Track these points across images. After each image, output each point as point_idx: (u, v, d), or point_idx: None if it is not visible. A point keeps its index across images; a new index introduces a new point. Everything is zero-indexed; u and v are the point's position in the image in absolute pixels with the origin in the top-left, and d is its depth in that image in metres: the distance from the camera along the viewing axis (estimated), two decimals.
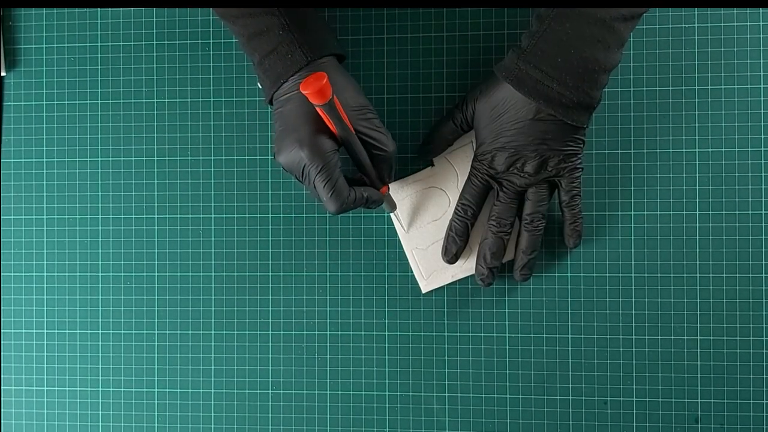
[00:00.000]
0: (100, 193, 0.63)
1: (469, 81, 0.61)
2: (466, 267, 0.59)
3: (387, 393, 0.61)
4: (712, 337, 0.59)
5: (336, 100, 0.50)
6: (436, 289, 0.61)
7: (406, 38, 0.61)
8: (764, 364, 0.59)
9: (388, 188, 0.57)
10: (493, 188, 0.57)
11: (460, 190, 0.58)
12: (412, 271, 0.61)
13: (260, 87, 0.57)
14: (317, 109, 0.50)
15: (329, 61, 0.53)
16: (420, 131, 0.61)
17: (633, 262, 0.60)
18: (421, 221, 0.60)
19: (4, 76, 0.64)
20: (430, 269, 0.60)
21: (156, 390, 0.63)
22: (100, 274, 0.63)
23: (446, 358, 0.61)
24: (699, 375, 0.59)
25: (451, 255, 0.58)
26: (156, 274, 0.63)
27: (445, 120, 0.58)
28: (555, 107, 0.52)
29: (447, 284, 0.60)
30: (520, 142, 0.54)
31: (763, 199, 0.59)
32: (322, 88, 0.48)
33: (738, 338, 0.59)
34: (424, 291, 0.60)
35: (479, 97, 0.55)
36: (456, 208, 0.58)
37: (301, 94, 0.51)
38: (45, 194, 0.64)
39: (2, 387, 0.64)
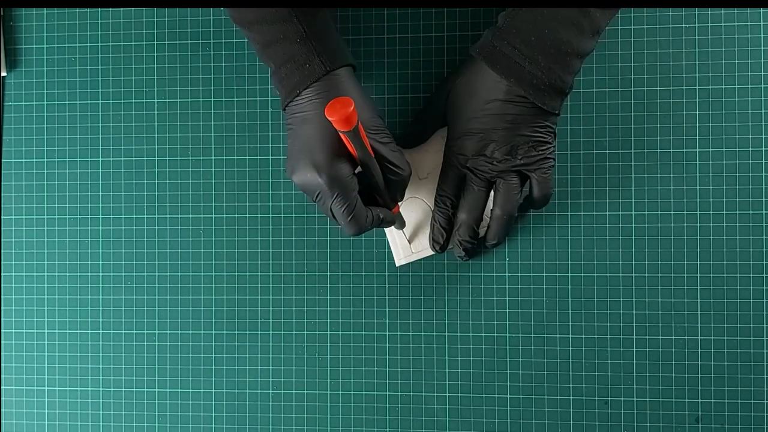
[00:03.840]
0: (100, 193, 0.63)
1: None
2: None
3: (387, 393, 0.61)
4: (712, 337, 0.59)
5: (361, 128, 0.48)
6: (436, 289, 0.61)
7: (406, 38, 0.61)
8: (764, 364, 0.59)
9: (399, 207, 0.57)
10: (464, 176, 0.56)
11: (429, 171, 0.59)
12: (412, 271, 0.61)
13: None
14: (341, 134, 0.48)
15: (345, 72, 0.52)
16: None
17: (633, 262, 0.60)
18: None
19: (4, 76, 0.64)
20: (405, 244, 0.60)
21: (156, 390, 0.63)
22: (100, 274, 0.63)
23: (446, 358, 0.61)
24: (699, 375, 0.59)
25: (440, 245, 0.58)
26: (156, 274, 0.63)
27: (425, 108, 0.58)
28: (526, 87, 0.51)
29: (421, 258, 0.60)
30: (489, 126, 0.53)
31: (763, 199, 0.59)
32: (350, 116, 0.46)
33: (738, 338, 0.59)
34: (398, 265, 0.60)
35: (454, 78, 0.55)
36: (436, 201, 0.58)
37: (320, 115, 0.50)
38: (45, 194, 0.64)
39: (2, 387, 0.64)
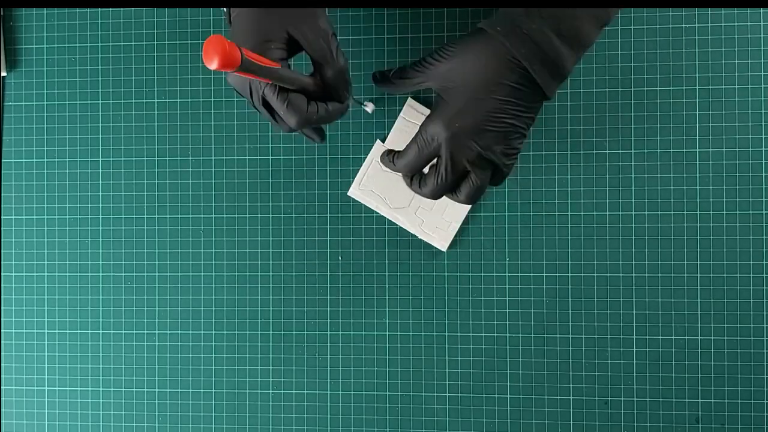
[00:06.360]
0: (100, 193, 0.63)
1: None
2: (458, 212, 0.60)
3: (387, 393, 0.61)
4: (712, 337, 0.59)
5: (247, 52, 0.42)
6: (436, 289, 0.61)
7: (406, 38, 0.61)
8: (764, 364, 0.59)
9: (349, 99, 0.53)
10: (437, 155, 0.51)
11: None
12: (412, 271, 0.61)
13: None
14: (237, 73, 0.43)
15: None
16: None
17: (633, 262, 0.60)
18: (386, 209, 0.61)
19: (4, 76, 0.64)
20: (431, 227, 0.60)
21: (156, 390, 0.63)
22: (100, 274, 0.63)
23: (446, 358, 0.61)
24: (699, 375, 0.59)
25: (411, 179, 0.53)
26: (156, 274, 0.63)
27: (413, 66, 0.52)
28: (544, 76, 0.48)
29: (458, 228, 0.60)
30: (491, 108, 0.49)
31: (763, 199, 0.59)
32: (228, 56, 0.40)
33: (738, 338, 0.59)
34: (445, 249, 0.60)
35: (454, 51, 0.50)
36: (404, 176, 0.53)
37: (246, 11, 0.48)
38: (45, 194, 0.64)
39: (2, 387, 0.64)
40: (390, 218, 0.60)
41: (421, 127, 0.51)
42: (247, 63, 0.42)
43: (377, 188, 0.60)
